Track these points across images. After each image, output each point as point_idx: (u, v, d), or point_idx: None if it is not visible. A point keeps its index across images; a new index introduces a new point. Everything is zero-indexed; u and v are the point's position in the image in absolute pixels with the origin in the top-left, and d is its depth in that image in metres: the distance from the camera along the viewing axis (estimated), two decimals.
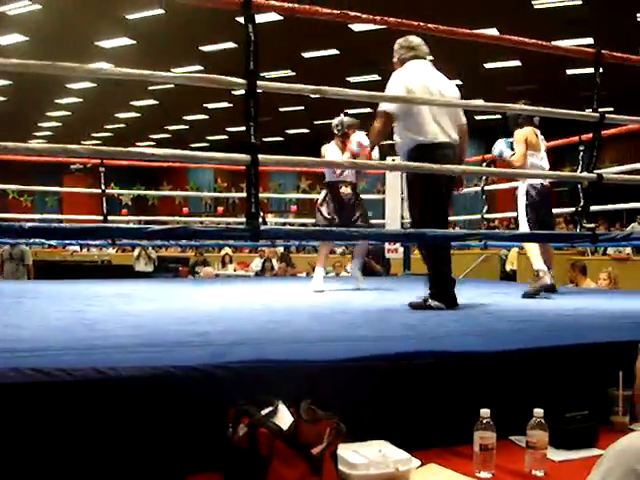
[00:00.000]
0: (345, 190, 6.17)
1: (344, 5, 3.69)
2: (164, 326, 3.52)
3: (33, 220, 11.86)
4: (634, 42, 10.44)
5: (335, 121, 6.29)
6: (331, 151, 6.24)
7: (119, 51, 16.03)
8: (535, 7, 13.03)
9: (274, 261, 13.08)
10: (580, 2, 12.74)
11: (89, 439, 2.11)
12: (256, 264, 13.45)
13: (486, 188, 7.88)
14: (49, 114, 24.00)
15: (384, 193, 8.87)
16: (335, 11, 3.51)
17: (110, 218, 7.16)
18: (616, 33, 12.94)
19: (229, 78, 3.25)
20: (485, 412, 2.31)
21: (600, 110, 3.98)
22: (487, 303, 5.00)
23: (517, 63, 16.55)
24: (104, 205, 7.16)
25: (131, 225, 3.98)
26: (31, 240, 7.55)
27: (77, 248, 19.29)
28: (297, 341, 3.00)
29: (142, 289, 6.09)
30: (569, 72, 16.77)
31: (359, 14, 3.56)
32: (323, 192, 6.33)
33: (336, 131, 6.24)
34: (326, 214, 6.10)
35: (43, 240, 7.23)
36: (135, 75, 3.31)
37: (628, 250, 11.50)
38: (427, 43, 4.53)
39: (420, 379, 2.62)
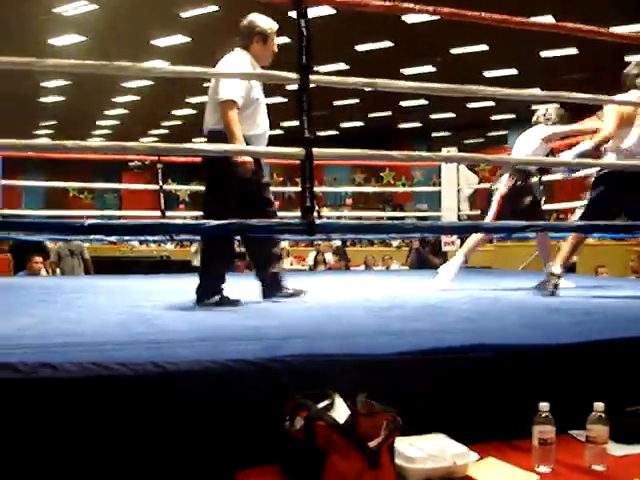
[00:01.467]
0: (532, 181, 5.64)
1: None
2: (219, 320, 3.56)
3: (93, 217, 12.06)
4: None
5: (542, 110, 5.75)
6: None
7: (174, 49, 16.20)
8: None
9: (328, 255, 13.06)
10: None
11: (149, 432, 2.14)
12: (311, 258, 13.48)
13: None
14: (107, 112, 24.39)
15: (440, 185, 8.81)
16: (387, 3, 3.49)
17: (168, 214, 7.24)
18: None
19: (282, 73, 3.26)
20: (544, 406, 2.28)
21: None
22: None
23: (574, 51, 16.24)
24: (162, 201, 7.25)
25: (188, 221, 4.03)
26: (92, 237, 7.69)
27: (136, 244, 19.62)
28: (353, 335, 3.01)
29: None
30: (627, 58, 16.39)
31: (411, 5, 3.54)
32: (506, 180, 5.61)
33: (542, 120, 5.70)
34: (515, 206, 5.47)
35: (103, 237, 7.35)
36: (189, 73, 3.36)
37: None
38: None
39: (478, 372, 2.60)
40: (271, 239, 4.54)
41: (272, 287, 4.51)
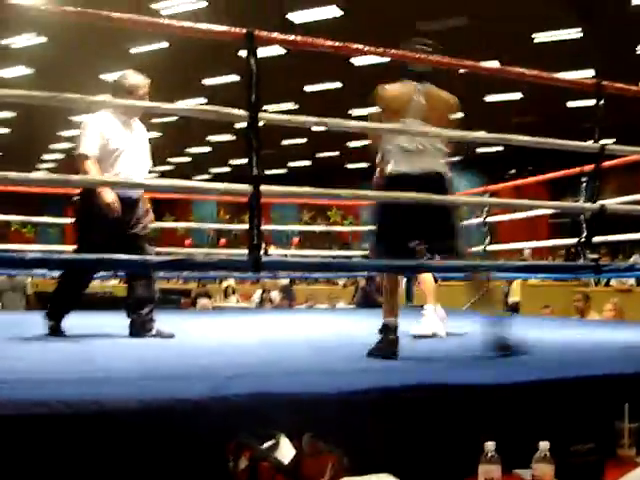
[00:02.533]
0: None
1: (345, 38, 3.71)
2: (164, 358, 3.50)
3: (34, 251, 11.82)
4: (634, 74, 10.52)
5: None
6: None
7: None
8: (535, 42, 13.15)
9: (274, 293, 13.02)
10: (580, 35, 12.87)
11: (88, 472, 2.08)
12: (257, 296, 13.41)
13: (488, 220, 7.84)
14: (52, 147, 24.12)
15: None
16: (337, 43, 3.53)
17: None
18: (616, 65, 13.01)
19: (231, 110, 3.26)
20: (490, 445, 2.28)
21: (601, 141, 3.99)
22: None
23: (519, 95, 16.63)
24: None
25: (134, 257, 3.97)
26: (33, 271, 7.52)
27: None
28: (299, 373, 2.98)
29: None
30: (570, 104, 16.87)
31: (361, 46, 3.58)
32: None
33: None
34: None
35: (45, 271, 7.20)
36: (138, 107, 3.33)
37: (631, 281, 11.45)
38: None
39: (423, 412, 2.59)
40: (149, 282, 4.61)
41: (141, 328, 4.52)
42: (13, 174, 2.85)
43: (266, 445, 2.06)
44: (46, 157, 26.12)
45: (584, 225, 5.28)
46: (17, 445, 2.02)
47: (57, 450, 2.06)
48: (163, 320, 4.56)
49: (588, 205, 4.23)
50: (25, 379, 2.63)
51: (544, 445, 2.33)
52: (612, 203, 6.20)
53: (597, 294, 10.28)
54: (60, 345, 4.00)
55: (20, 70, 15.35)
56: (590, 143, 4.03)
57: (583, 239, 4.85)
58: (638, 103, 5.21)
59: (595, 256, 4.43)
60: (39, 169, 27.52)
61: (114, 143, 4.53)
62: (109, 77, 15.83)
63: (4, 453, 2.00)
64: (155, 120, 19.06)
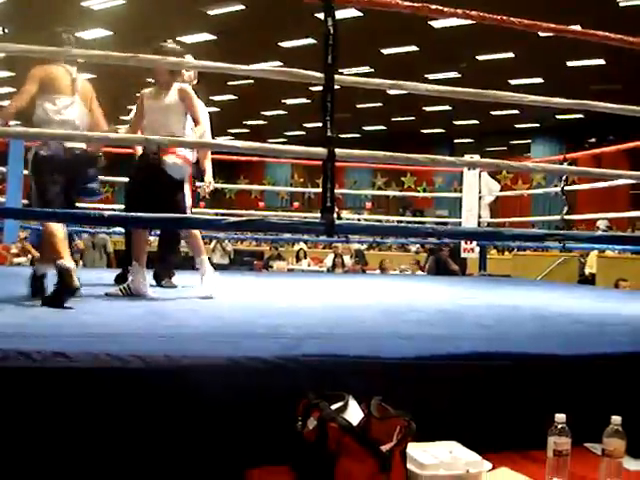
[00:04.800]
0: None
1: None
2: (237, 318, 3.55)
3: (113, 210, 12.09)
4: None
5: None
6: None
7: (200, 46, 16.24)
8: (620, 5, 12.69)
9: (346, 258, 13.05)
10: None
11: (160, 425, 2.13)
12: (329, 260, 13.48)
13: (566, 188, 7.64)
14: (131, 107, 24.50)
15: (461, 191, 8.76)
16: (416, 4, 3.46)
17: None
18: None
19: (307, 72, 3.25)
20: (560, 417, 2.24)
21: None
22: (565, 306, 4.89)
23: (601, 61, 16.13)
24: None
25: (208, 217, 4.02)
26: (111, 230, 7.69)
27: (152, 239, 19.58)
28: (370, 337, 2.99)
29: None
30: None
31: (441, 7, 3.51)
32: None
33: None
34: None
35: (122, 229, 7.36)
36: (216, 68, 3.35)
37: None
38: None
39: (494, 381, 2.57)
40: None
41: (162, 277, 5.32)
42: (97, 134, 2.90)
43: (335, 407, 2.07)
44: (126, 118, 26.57)
45: None
46: (92, 396, 2.09)
47: (130, 402, 2.12)
48: (240, 281, 4.60)
49: None
50: (101, 333, 2.70)
51: (616, 419, 2.29)
52: None
53: None
54: (134, 302, 4.09)
55: (99, 32, 15.59)
56: None
57: None
58: None
59: None
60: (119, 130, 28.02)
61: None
62: (185, 39, 16.00)
63: (80, 403, 2.07)
64: (231, 83, 19.18)
